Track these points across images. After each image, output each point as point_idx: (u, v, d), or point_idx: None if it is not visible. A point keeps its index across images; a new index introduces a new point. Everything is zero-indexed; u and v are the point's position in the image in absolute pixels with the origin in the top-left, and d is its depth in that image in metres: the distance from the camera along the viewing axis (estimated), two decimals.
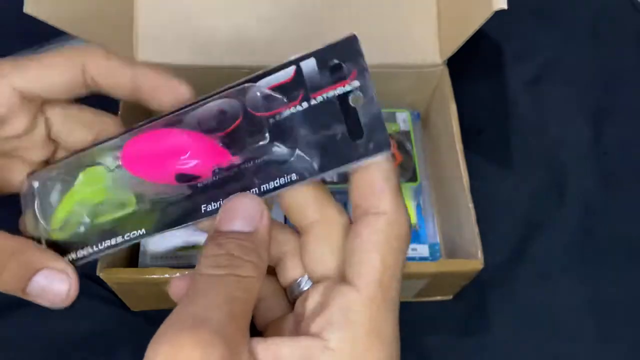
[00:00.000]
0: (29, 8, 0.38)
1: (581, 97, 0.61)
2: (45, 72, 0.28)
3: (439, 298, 0.51)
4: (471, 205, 0.44)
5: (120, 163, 0.28)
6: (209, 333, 0.21)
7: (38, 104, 0.29)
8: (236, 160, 0.27)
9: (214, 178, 0.27)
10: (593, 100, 0.60)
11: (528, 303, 0.51)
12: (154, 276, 0.40)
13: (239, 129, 0.27)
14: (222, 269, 0.23)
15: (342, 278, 0.24)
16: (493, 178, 0.56)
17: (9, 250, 0.27)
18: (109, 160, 0.29)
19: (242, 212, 0.25)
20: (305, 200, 0.26)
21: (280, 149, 0.26)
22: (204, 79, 0.49)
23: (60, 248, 0.30)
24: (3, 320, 0.48)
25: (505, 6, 0.38)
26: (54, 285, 0.27)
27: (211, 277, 0.23)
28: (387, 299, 0.24)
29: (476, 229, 0.43)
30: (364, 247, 0.24)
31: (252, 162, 0.27)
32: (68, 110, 0.30)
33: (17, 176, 0.31)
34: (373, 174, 0.25)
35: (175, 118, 0.28)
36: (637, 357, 0.50)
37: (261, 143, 0.26)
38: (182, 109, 0.28)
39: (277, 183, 0.26)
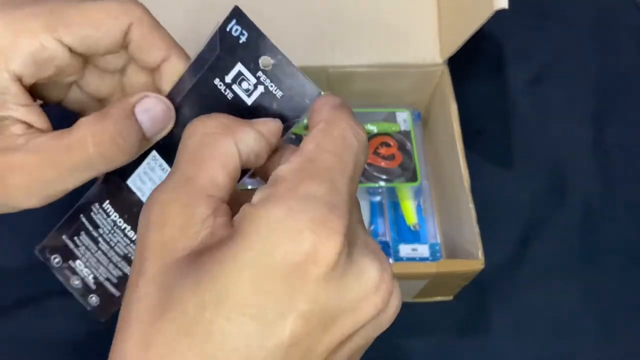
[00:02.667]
0: None
1: (582, 97, 0.60)
2: (92, 32, 0.26)
3: (439, 298, 0.51)
4: (471, 205, 0.44)
5: None
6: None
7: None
8: None
9: None
10: (593, 100, 0.60)
11: (528, 303, 0.51)
12: None
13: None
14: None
15: None
16: (493, 178, 0.55)
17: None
18: None
19: None
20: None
21: None
22: None
23: None
24: (4, 320, 0.48)
25: (506, 6, 0.38)
26: (157, 105, 0.26)
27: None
28: (322, 171, 0.21)
29: (476, 229, 0.43)
30: (302, 146, 0.22)
31: None
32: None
33: None
34: (315, 104, 0.24)
35: None
36: (637, 357, 0.50)
37: None
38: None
39: None
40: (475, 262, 0.42)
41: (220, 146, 0.22)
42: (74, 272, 0.30)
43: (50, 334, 0.48)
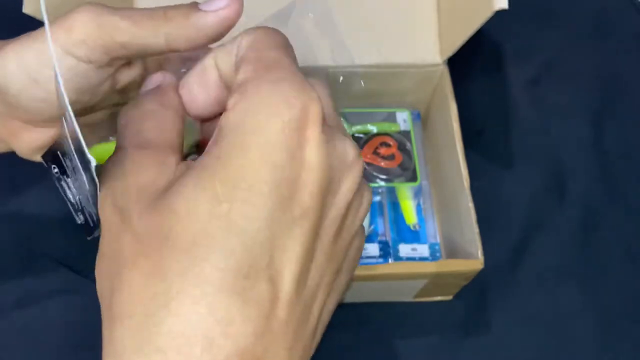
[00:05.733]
0: (28, 8, 0.38)
1: (582, 97, 0.60)
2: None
3: (439, 298, 0.51)
4: (471, 205, 0.44)
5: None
6: None
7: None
8: None
9: None
10: (593, 100, 0.60)
11: (528, 303, 0.51)
12: None
13: None
14: None
15: None
16: (493, 178, 0.55)
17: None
18: None
19: None
20: None
21: None
22: None
23: None
24: (3, 320, 0.48)
25: (506, 6, 0.38)
26: None
27: None
28: (272, 63, 0.21)
29: (476, 229, 0.43)
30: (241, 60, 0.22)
31: None
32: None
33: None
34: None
35: None
36: (637, 357, 0.50)
37: None
38: None
39: None
40: (475, 262, 0.42)
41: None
42: (68, 186, 0.28)
43: (49, 334, 0.48)
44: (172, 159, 0.22)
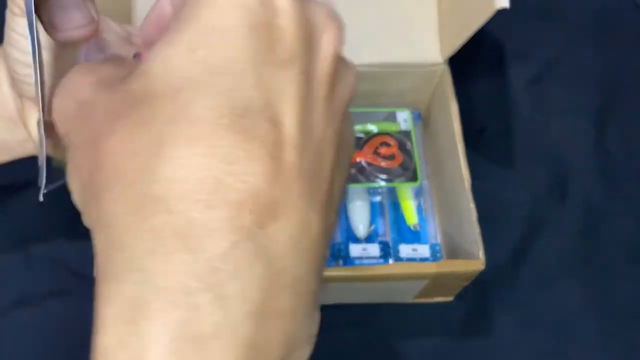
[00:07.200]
0: None
1: (583, 96, 0.60)
2: None
3: (439, 299, 0.51)
4: (472, 205, 0.44)
5: None
6: None
7: None
8: None
9: None
10: (595, 100, 0.60)
11: (529, 304, 0.51)
12: None
13: None
14: None
15: None
16: (494, 178, 0.55)
17: None
18: None
19: None
20: None
21: None
22: None
23: None
24: (4, 320, 0.48)
25: (507, 5, 0.38)
26: None
27: None
28: None
29: (477, 229, 0.43)
30: None
31: None
32: None
33: None
34: None
35: None
36: (637, 357, 0.50)
37: None
38: None
39: None
40: (475, 262, 0.42)
41: None
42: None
43: (49, 335, 0.48)
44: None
